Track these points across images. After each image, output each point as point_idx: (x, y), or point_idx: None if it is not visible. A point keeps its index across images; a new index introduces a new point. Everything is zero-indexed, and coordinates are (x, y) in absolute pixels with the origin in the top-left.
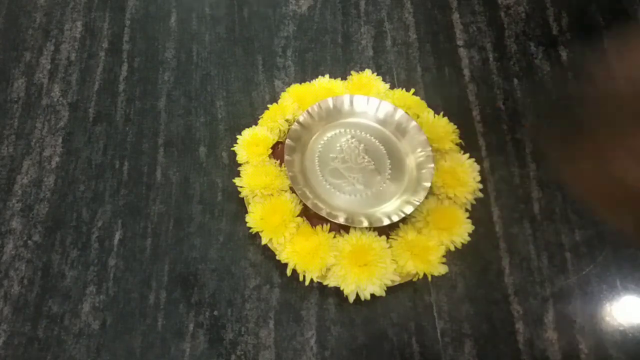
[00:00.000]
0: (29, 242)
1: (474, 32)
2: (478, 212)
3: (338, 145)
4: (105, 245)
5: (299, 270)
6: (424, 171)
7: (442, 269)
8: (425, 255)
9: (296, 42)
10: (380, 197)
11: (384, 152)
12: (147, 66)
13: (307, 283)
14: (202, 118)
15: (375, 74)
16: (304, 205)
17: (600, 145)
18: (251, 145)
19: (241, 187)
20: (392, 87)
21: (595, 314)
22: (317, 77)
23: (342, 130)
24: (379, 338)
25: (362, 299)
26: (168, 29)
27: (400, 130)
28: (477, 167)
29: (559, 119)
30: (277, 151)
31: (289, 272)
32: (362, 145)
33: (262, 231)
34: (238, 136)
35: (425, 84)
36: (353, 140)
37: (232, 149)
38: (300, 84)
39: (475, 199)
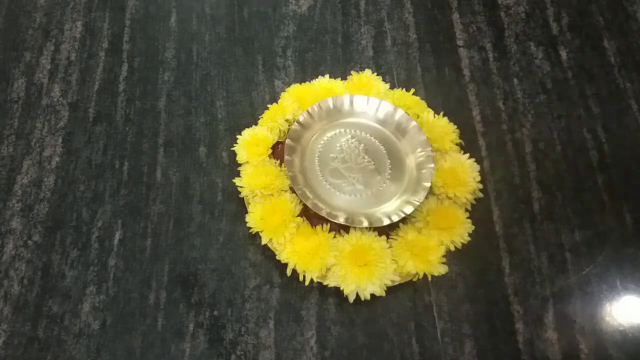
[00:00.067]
0: (29, 242)
1: (474, 32)
2: (478, 212)
3: (338, 145)
4: (105, 245)
5: (299, 270)
6: (424, 171)
7: (442, 269)
8: (425, 255)
9: (296, 42)
10: (380, 197)
11: (384, 152)
12: (147, 66)
13: (307, 283)
14: (202, 118)
15: (375, 74)
16: (304, 205)
17: None
18: (251, 145)
19: (241, 187)
20: (392, 87)
21: (595, 314)
22: (317, 77)
23: (342, 130)
24: (379, 338)
25: (362, 299)
26: (168, 29)
27: (400, 130)
28: (477, 167)
29: None
30: (277, 151)
31: (289, 272)
32: (362, 145)
33: (262, 231)
34: (238, 136)
35: (425, 84)
36: (353, 140)
37: (232, 149)
38: (300, 84)
39: (475, 199)
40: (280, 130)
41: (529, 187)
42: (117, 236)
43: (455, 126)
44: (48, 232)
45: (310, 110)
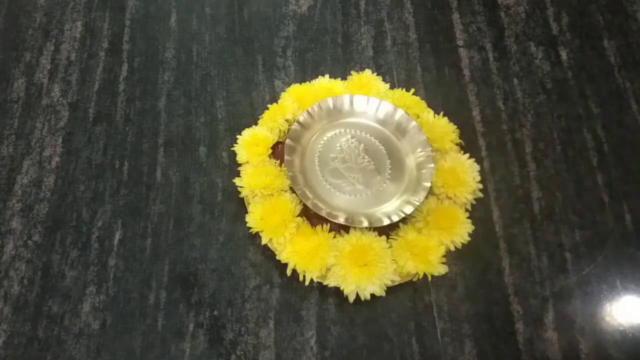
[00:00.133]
0: (29, 242)
1: (474, 32)
2: (478, 212)
3: (338, 145)
4: (105, 245)
5: (299, 270)
6: (424, 171)
7: (442, 269)
8: (425, 255)
9: (296, 42)
10: (380, 197)
11: (384, 152)
12: (147, 66)
13: (307, 283)
14: (202, 118)
15: (375, 74)
16: (304, 205)
17: None
18: (251, 145)
19: (241, 187)
20: (392, 87)
21: (595, 314)
22: (317, 77)
23: (342, 130)
24: (379, 338)
25: (362, 299)
26: (168, 29)
27: (400, 130)
28: (477, 167)
29: None
30: (277, 151)
31: (289, 272)
32: (362, 145)
33: (262, 231)
34: (238, 136)
35: (425, 84)
36: (353, 140)
37: (232, 149)
38: (300, 84)
39: (475, 199)
40: (280, 130)
41: (529, 187)
42: (117, 236)
43: (455, 126)
44: (48, 232)
45: (310, 110)
